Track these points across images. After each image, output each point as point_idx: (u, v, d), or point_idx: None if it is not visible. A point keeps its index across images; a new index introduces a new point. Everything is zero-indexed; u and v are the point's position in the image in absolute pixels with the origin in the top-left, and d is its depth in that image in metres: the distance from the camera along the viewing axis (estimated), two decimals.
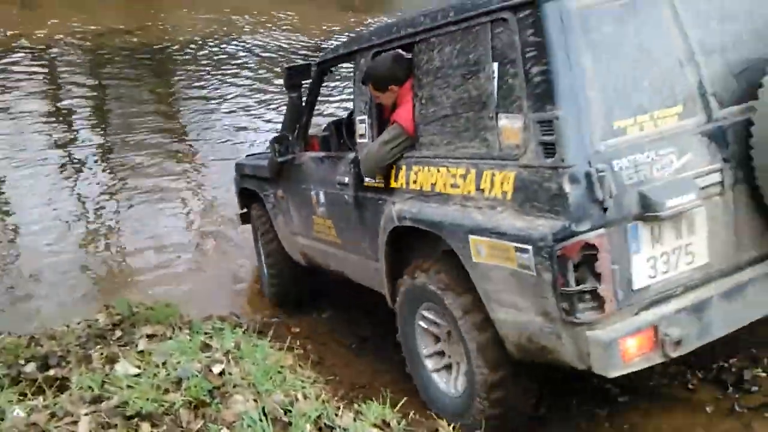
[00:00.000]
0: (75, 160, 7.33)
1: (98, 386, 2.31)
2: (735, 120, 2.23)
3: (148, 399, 2.19)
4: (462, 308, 2.47)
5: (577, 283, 1.99)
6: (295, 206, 3.82)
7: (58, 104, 9.15)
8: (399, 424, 2.27)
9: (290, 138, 3.76)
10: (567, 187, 2.00)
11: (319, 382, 2.65)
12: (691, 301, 2.16)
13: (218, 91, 9.30)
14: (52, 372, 2.54)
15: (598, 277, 1.99)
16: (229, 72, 10.04)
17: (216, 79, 9.75)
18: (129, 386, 2.28)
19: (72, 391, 2.31)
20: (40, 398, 2.29)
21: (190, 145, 7.69)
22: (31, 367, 2.76)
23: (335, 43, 8.57)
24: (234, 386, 2.32)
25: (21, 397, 2.35)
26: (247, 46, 11.33)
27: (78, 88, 9.66)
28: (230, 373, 2.38)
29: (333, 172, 3.29)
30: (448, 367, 2.75)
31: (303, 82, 3.89)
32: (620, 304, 2.05)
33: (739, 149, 2.20)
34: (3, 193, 6.57)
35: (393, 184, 2.82)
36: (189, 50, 11.03)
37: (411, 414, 2.42)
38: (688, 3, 2.24)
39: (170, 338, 2.95)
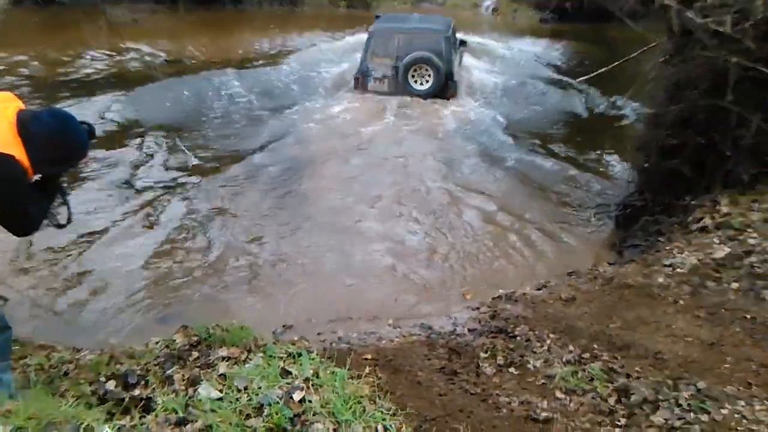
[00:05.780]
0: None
1: (182, 409, 2.34)
2: (398, 65, 10.68)
3: (230, 423, 2.20)
4: None
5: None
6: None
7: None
8: None
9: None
10: (359, 70, 11.11)
11: (398, 415, 2.60)
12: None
13: None
14: (136, 392, 2.60)
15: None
16: None
17: None
18: (212, 410, 2.29)
19: (157, 413, 2.34)
20: (127, 418, 2.32)
21: None
22: (112, 385, 2.84)
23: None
24: (314, 414, 2.31)
25: (108, 416, 2.40)
26: None
27: None
28: (310, 401, 2.37)
29: None
30: None
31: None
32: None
33: (397, 70, 10.70)
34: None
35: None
36: None
37: None
38: (401, 37, 10.82)
39: (244, 361, 2.97)
